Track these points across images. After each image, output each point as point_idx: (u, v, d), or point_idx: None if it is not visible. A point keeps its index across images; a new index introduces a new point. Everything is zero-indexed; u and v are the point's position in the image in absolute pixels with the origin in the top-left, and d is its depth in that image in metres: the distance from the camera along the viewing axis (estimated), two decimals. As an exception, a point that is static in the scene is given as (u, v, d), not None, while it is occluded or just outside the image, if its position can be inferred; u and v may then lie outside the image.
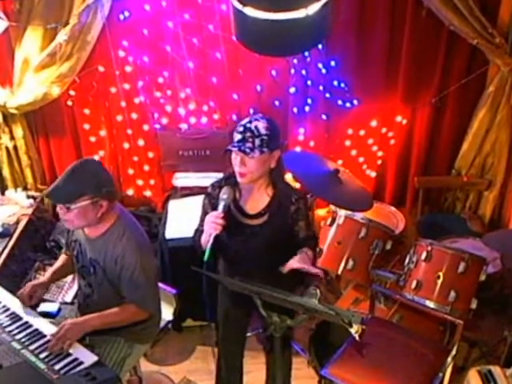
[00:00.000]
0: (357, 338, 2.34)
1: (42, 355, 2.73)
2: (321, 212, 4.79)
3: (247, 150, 2.73)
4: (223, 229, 2.81)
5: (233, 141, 2.80)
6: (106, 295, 3.01)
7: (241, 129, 2.78)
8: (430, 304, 3.48)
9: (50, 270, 3.27)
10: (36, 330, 2.92)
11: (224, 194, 2.88)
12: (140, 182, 5.03)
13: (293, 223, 2.98)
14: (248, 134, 2.74)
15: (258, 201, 2.96)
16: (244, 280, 2.81)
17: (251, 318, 3.39)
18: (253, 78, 4.65)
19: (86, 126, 4.82)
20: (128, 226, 2.95)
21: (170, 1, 4.33)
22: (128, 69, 4.59)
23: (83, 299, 3.14)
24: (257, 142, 2.73)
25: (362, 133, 4.87)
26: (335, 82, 4.67)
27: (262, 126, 2.75)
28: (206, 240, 2.81)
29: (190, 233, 3.15)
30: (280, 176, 2.98)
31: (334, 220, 3.90)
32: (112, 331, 3.01)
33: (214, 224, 2.78)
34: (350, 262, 3.76)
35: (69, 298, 3.83)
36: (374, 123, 4.82)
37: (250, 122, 2.77)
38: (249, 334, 4.04)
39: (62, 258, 3.29)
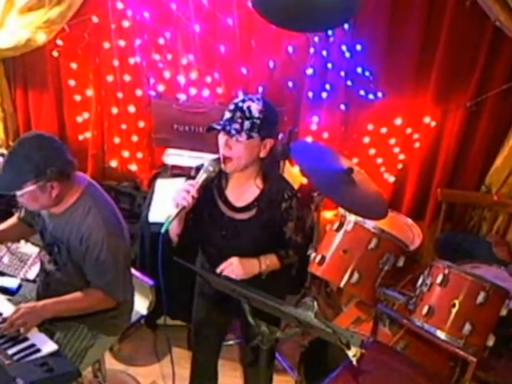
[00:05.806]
0: (354, 362, 2.32)
1: (-5, 337, 2.72)
2: (327, 214, 4.78)
3: (232, 132, 2.69)
4: (194, 203, 2.76)
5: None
6: (70, 276, 3.02)
7: (232, 107, 2.74)
8: (441, 335, 3.44)
9: None
10: (-10, 307, 2.91)
11: (210, 166, 2.83)
12: (126, 154, 5.03)
13: (282, 222, 2.96)
14: (238, 114, 2.70)
15: (245, 192, 2.93)
16: (235, 280, 2.77)
17: (230, 325, 3.41)
18: (266, 52, 4.63)
19: (72, 83, 4.81)
20: (95, 202, 2.94)
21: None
22: (125, 24, 4.57)
23: (44, 276, 3.14)
24: (246, 124, 2.69)
25: (383, 130, 4.85)
26: (359, 69, 4.66)
27: (255, 107, 2.71)
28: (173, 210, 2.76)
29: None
30: (273, 168, 2.96)
31: (341, 225, 3.85)
32: (75, 317, 3.02)
33: (184, 193, 2.74)
34: (355, 275, 3.71)
35: (32, 274, 3.80)
36: (398, 121, 4.81)
37: (244, 101, 2.74)
38: (231, 343, 4.07)
39: (11, 221, 3.28)
